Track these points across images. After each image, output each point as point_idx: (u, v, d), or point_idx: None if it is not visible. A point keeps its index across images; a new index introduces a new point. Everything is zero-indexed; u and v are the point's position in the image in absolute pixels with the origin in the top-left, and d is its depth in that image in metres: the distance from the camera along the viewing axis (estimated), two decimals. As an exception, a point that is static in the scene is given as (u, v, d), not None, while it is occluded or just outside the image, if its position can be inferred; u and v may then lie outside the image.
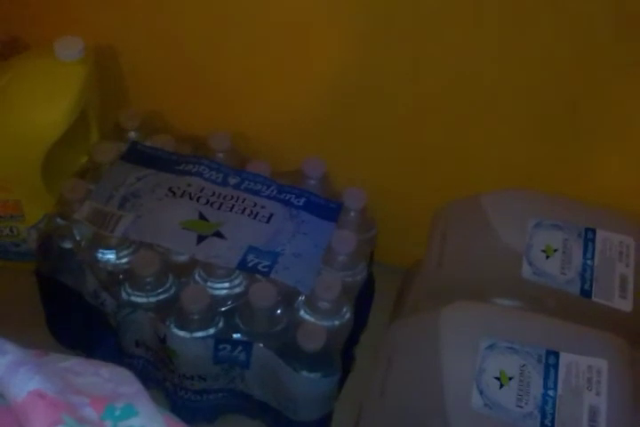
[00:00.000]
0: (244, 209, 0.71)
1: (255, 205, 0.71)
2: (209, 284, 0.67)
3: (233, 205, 0.71)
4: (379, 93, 0.72)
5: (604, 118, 0.67)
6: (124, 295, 0.67)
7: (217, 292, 0.66)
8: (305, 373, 0.64)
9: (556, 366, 0.56)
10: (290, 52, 0.72)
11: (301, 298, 0.67)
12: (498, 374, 0.56)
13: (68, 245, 0.69)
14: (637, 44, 0.60)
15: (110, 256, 0.68)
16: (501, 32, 0.63)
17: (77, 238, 0.69)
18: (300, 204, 0.72)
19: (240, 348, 0.65)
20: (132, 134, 0.76)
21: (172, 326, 0.65)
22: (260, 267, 0.67)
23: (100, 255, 0.68)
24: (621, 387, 0.56)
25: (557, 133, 0.69)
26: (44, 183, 0.75)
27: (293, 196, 0.72)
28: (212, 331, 0.65)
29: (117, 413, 0.42)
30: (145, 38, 0.75)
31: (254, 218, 0.70)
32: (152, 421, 0.43)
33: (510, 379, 0.56)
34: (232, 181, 0.73)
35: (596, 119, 0.67)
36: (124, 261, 0.68)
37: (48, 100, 0.72)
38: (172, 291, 0.67)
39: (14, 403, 0.40)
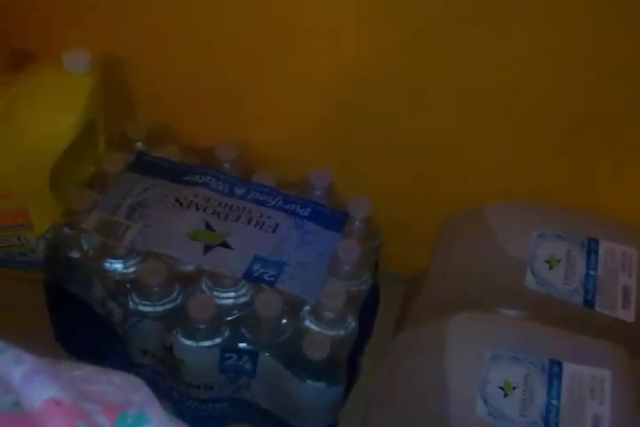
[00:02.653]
0: (250, 219, 0.71)
1: (261, 215, 0.72)
2: (215, 293, 0.67)
3: (239, 216, 0.71)
4: (384, 105, 0.72)
5: (610, 133, 0.67)
6: (131, 304, 0.67)
7: (223, 301, 0.67)
8: (310, 382, 0.65)
9: (559, 376, 0.57)
10: (296, 63, 0.72)
11: (307, 308, 0.67)
12: (502, 384, 0.56)
13: (75, 254, 0.70)
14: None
15: (118, 266, 0.68)
16: (513, 43, 0.63)
17: (85, 248, 0.69)
18: (306, 214, 0.72)
19: (246, 357, 0.66)
20: (139, 145, 0.77)
21: (179, 335, 0.65)
22: (265, 277, 0.67)
23: (107, 265, 0.68)
24: (624, 397, 0.56)
25: (563, 146, 0.70)
26: (52, 193, 0.75)
27: (299, 206, 0.73)
28: (218, 340, 0.65)
29: (130, 420, 0.43)
30: (153, 50, 0.76)
31: (260, 228, 0.71)
32: None
33: (514, 388, 0.56)
34: (238, 191, 0.73)
35: (602, 134, 0.67)
36: (132, 270, 0.68)
37: (56, 110, 0.73)
38: (179, 300, 0.67)
39: (31, 410, 0.40)
